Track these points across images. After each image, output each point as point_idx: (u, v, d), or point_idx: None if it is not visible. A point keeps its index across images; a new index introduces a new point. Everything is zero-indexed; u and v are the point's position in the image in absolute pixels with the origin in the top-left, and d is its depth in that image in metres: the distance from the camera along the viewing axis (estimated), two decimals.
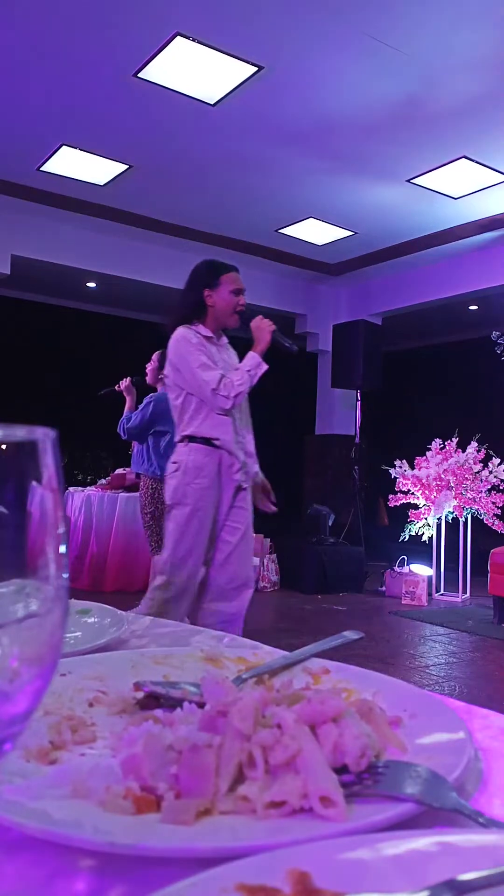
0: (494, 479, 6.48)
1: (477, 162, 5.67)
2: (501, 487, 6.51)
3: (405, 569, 6.72)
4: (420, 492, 6.72)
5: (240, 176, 6.17)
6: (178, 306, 3.20)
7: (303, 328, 9.04)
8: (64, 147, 5.73)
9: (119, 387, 4.99)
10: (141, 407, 4.78)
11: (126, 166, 6.05)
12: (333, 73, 4.58)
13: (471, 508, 6.51)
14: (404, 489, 6.84)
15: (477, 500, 6.47)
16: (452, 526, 6.74)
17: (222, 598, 3.14)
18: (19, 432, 0.29)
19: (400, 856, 0.34)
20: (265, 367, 3.11)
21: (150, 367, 4.95)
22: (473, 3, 3.86)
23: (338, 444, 8.82)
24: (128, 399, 4.97)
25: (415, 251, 7.57)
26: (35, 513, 0.30)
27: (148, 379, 4.96)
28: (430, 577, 6.63)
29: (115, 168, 6.09)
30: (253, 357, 3.07)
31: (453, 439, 6.69)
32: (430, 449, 6.77)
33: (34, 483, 0.30)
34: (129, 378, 4.99)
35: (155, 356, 4.94)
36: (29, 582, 0.29)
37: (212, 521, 3.08)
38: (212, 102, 4.95)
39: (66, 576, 0.31)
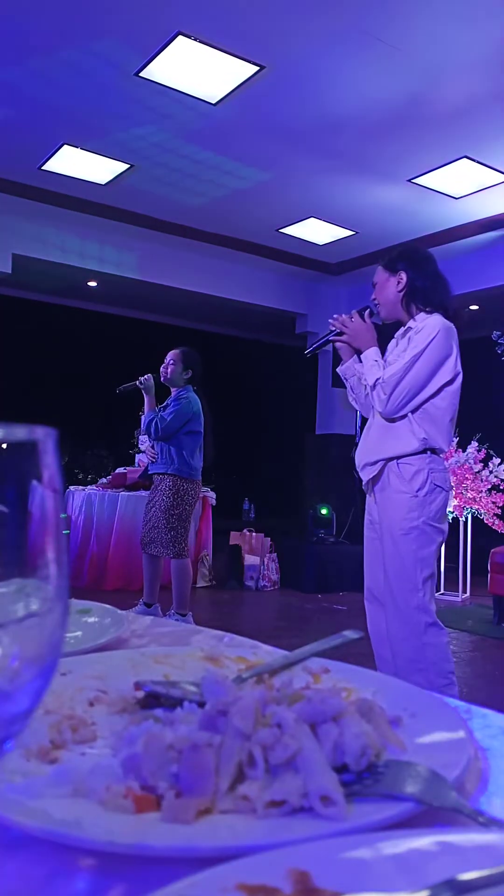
0: (495, 479, 6.47)
1: (478, 162, 5.67)
2: (501, 487, 6.50)
3: None
4: None
5: (241, 175, 6.17)
6: None
7: (303, 328, 9.04)
8: (65, 146, 5.73)
9: (140, 383, 4.72)
10: (178, 407, 4.58)
11: (127, 165, 6.05)
12: (335, 73, 4.58)
13: (471, 508, 6.50)
14: None
15: (477, 499, 6.47)
16: (452, 526, 6.73)
17: None
18: (20, 432, 0.29)
19: (400, 855, 0.34)
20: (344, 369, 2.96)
21: (169, 367, 4.68)
22: (475, 2, 3.86)
23: (338, 444, 8.82)
24: (147, 398, 4.71)
25: None
26: (36, 512, 0.30)
27: (163, 378, 4.70)
28: None
29: (117, 167, 6.09)
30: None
31: (453, 439, 6.68)
32: None
33: (35, 482, 0.30)
34: (150, 375, 4.73)
35: (175, 355, 4.71)
36: (29, 581, 0.29)
37: None
38: (213, 102, 4.95)
39: (66, 575, 0.31)
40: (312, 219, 7.07)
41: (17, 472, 0.29)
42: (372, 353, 2.77)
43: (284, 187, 6.38)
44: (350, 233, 7.38)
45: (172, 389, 4.73)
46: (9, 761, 0.44)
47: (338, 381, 7.94)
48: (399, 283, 2.74)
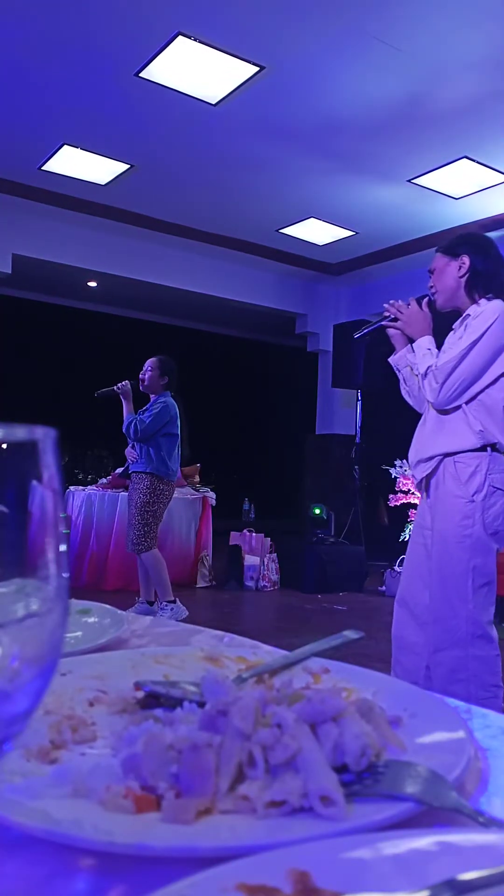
0: None
1: (478, 162, 5.67)
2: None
3: None
4: None
5: (241, 175, 6.18)
6: None
7: (303, 328, 9.05)
8: (65, 146, 5.74)
9: (118, 388, 4.95)
10: (156, 410, 4.83)
11: (127, 166, 6.05)
12: (335, 73, 4.58)
13: None
14: (404, 489, 6.83)
15: None
16: None
17: None
18: (20, 432, 0.29)
19: (400, 855, 0.34)
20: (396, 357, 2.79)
21: (147, 374, 4.92)
22: (474, 2, 3.86)
23: (338, 444, 8.82)
24: (125, 402, 4.93)
25: (416, 251, 7.57)
26: (35, 512, 0.30)
27: (141, 386, 4.92)
28: None
29: (117, 167, 6.09)
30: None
31: None
32: None
33: (35, 483, 0.30)
34: (128, 381, 4.97)
35: (153, 363, 4.94)
36: (29, 581, 0.29)
37: None
38: (213, 102, 4.95)
39: (66, 575, 0.31)
40: (312, 219, 7.07)
41: (17, 472, 0.29)
42: (426, 341, 2.61)
43: (284, 187, 6.39)
44: (350, 233, 7.38)
45: (151, 396, 4.99)
46: (9, 761, 0.44)
47: (338, 381, 8.01)
48: (461, 267, 2.57)
